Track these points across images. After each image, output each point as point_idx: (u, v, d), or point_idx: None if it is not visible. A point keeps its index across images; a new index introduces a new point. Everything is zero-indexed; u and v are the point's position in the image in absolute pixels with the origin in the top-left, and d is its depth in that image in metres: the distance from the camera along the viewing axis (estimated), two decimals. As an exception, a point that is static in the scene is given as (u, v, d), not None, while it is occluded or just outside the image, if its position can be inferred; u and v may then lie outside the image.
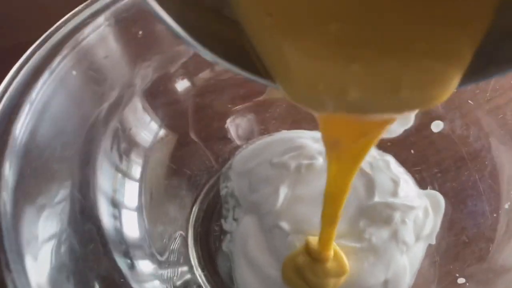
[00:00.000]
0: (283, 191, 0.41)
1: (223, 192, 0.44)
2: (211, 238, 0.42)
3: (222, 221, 0.42)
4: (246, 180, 0.43)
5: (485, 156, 0.39)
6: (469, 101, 0.40)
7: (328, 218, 0.32)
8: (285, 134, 0.45)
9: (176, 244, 0.40)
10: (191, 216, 0.43)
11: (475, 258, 0.37)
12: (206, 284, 0.39)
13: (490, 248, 0.36)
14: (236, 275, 0.39)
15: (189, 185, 0.43)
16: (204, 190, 0.44)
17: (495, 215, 0.37)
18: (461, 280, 0.37)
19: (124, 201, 0.36)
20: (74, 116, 0.33)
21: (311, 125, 0.46)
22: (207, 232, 0.42)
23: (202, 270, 0.40)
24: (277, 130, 0.46)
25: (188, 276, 0.39)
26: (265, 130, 0.46)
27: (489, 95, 0.38)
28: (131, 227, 0.36)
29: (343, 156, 0.27)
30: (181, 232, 0.41)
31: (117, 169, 0.35)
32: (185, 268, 0.40)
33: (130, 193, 0.36)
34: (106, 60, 0.35)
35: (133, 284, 0.33)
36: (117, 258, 0.33)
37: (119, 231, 0.34)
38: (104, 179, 0.34)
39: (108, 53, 0.36)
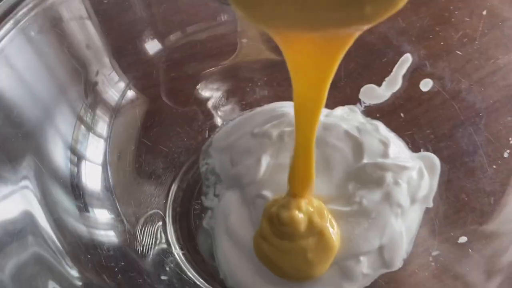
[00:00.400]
0: (265, 160, 0.38)
1: (203, 169, 0.41)
2: (191, 217, 0.39)
3: (203, 197, 0.39)
4: (227, 155, 0.41)
5: (480, 108, 0.36)
6: (458, 52, 0.37)
7: (302, 143, 0.29)
8: (266, 106, 0.43)
9: (152, 220, 0.37)
10: (170, 195, 0.40)
11: (476, 215, 0.34)
12: (185, 263, 0.36)
13: (492, 202, 0.33)
14: (218, 251, 0.36)
15: (166, 163, 0.40)
16: (183, 169, 0.41)
17: (494, 166, 0.34)
18: (462, 239, 0.33)
19: (86, 154, 0.33)
20: (41, 70, 0.31)
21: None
22: (187, 211, 0.39)
23: (181, 249, 0.37)
24: (259, 105, 0.44)
25: (164, 254, 0.36)
26: (247, 106, 0.44)
27: (478, 43, 0.36)
28: (92, 178, 0.33)
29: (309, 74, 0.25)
30: (159, 210, 0.38)
31: (80, 120, 0.33)
32: (161, 244, 0.36)
33: (95, 148, 0.34)
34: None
35: (80, 225, 0.30)
36: (66, 198, 0.30)
37: (74, 176, 0.32)
38: (63, 123, 0.32)
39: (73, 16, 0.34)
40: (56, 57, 0.33)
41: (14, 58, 0.31)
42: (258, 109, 0.43)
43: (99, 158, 0.34)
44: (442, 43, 0.38)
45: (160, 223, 0.38)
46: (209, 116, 0.43)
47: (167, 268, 0.35)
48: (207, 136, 0.42)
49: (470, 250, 0.34)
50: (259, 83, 0.44)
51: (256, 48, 0.42)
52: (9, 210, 0.27)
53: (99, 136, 0.35)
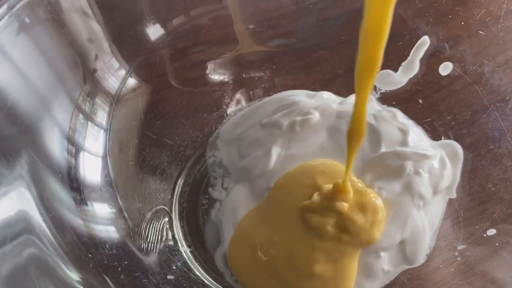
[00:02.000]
0: (275, 151, 0.36)
1: (210, 161, 0.39)
2: (199, 212, 0.37)
3: (210, 189, 0.37)
4: (235, 147, 0.38)
5: (505, 91, 0.34)
6: (480, 32, 0.35)
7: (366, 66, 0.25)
8: (275, 95, 0.41)
9: (157, 216, 0.35)
10: (176, 190, 0.38)
11: (505, 205, 0.31)
12: (193, 261, 0.34)
13: (522, 191, 0.31)
14: (225, 245, 0.34)
15: (172, 157, 0.38)
16: (190, 162, 0.39)
17: (523, 152, 0.32)
18: (491, 232, 0.31)
19: (84, 144, 0.31)
20: (37, 59, 0.29)
21: (306, 87, 0.42)
22: (194, 206, 0.37)
23: (189, 246, 0.35)
24: (268, 95, 0.42)
25: (171, 252, 0.34)
26: (255, 96, 0.42)
27: (503, 20, 0.34)
28: (91, 170, 0.32)
29: None
30: (164, 206, 0.36)
31: (78, 108, 0.31)
32: (168, 243, 0.34)
33: (94, 139, 0.32)
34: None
35: (78, 221, 0.28)
36: (62, 190, 0.28)
37: (72, 167, 0.30)
38: (59, 112, 0.30)
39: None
40: (53, 43, 0.31)
41: (8, 46, 0.29)
42: (267, 98, 0.41)
43: (99, 150, 0.32)
44: (462, 23, 0.36)
45: (166, 219, 0.36)
46: (215, 106, 0.41)
47: (174, 267, 0.33)
48: (213, 128, 0.40)
49: (497, 244, 0.31)
50: (267, 72, 0.42)
51: (263, 34, 0.40)
52: (4, 210, 0.25)
53: (99, 126, 0.33)
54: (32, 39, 0.30)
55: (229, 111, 0.41)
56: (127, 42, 0.34)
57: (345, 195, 0.30)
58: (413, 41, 0.38)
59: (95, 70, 0.32)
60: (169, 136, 0.39)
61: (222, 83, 0.41)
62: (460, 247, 0.32)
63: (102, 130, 0.33)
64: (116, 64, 0.33)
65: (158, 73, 0.37)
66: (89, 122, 0.31)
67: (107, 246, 0.30)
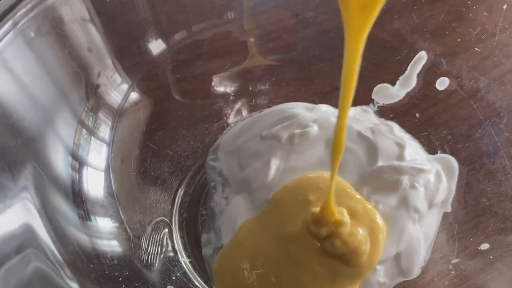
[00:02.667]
0: (274, 164, 0.36)
1: (210, 171, 0.39)
2: (199, 222, 0.38)
3: (211, 196, 0.38)
4: (235, 158, 0.39)
5: (500, 107, 0.34)
6: (476, 49, 0.35)
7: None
8: (275, 107, 0.41)
9: (158, 227, 0.36)
10: (176, 200, 0.38)
11: (498, 220, 0.32)
12: (193, 271, 0.35)
13: (515, 207, 0.32)
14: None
15: (172, 167, 0.39)
16: (190, 173, 0.40)
17: (517, 169, 0.32)
18: (484, 246, 0.32)
19: (87, 159, 0.32)
20: (40, 73, 0.30)
21: (306, 99, 0.42)
22: (194, 217, 0.38)
23: (188, 257, 0.36)
24: (268, 106, 0.42)
25: (171, 262, 0.34)
26: (255, 107, 0.42)
27: (498, 38, 0.34)
28: (94, 185, 0.32)
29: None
30: (164, 216, 0.37)
31: (82, 124, 0.32)
32: (168, 254, 0.35)
33: (97, 154, 0.33)
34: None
35: (81, 235, 0.28)
36: (69, 206, 0.29)
37: (76, 183, 0.31)
38: (63, 128, 0.30)
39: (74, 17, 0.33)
40: (57, 59, 0.31)
41: (13, 61, 0.30)
42: (267, 110, 0.41)
43: (102, 164, 0.33)
44: (459, 39, 0.36)
45: (166, 230, 0.36)
46: (216, 118, 0.41)
47: (174, 278, 0.34)
48: (214, 138, 0.41)
49: (491, 257, 0.32)
50: (267, 84, 0.43)
51: (264, 46, 0.41)
52: (9, 222, 0.26)
53: (102, 140, 0.33)
54: (36, 54, 0.31)
55: (229, 122, 0.42)
56: (129, 56, 0.35)
57: (330, 218, 0.31)
58: (411, 55, 0.39)
59: (98, 86, 0.33)
60: (170, 147, 0.39)
61: (222, 95, 0.42)
62: (454, 261, 0.33)
63: (105, 144, 0.34)
64: (118, 79, 0.34)
65: (160, 86, 0.38)
66: (92, 137, 0.32)
67: (108, 257, 0.31)
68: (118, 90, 0.34)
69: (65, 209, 0.30)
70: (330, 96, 0.42)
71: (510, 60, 0.35)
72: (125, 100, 0.35)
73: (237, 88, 0.42)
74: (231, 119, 0.42)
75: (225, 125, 0.42)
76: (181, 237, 0.37)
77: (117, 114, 0.34)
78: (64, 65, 0.31)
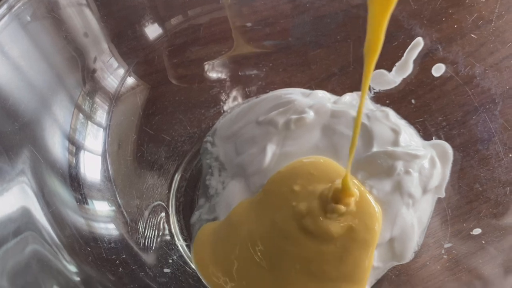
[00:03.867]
0: (270, 149, 0.37)
1: (206, 156, 0.39)
2: (195, 207, 0.38)
3: (207, 179, 0.38)
4: (231, 144, 0.39)
5: (495, 93, 0.34)
6: (472, 35, 0.35)
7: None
8: (272, 93, 0.41)
9: (155, 214, 0.36)
10: (173, 185, 0.38)
11: (491, 206, 0.32)
12: (189, 254, 0.35)
13: (508, 192, 0.32)
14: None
15: (169, 152, 0.39)
16: (187, 158, 0.40)
17: (510, 155, 0.33)
18: (476, 231, 0.32)
19: (84, 143, 0.32)
20: (36, 57, 0.30)
21: (302, 85, 0.42)
22: (190, 201, 0.38)
23: (185, 240, 0.36)
24: (264, 92, 0.42)
25: (168, 246, 0.35)
26: (251, 93, 0.43)
27: (495, 25, 0.34)
28: (91, 169, 0.33)
29: None
30: (161, 201, 0.37)
31: (78, 108, 0.32)
32: (165, 238, 0.35)
33: (94, 138, 0.33)
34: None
35: (79, 219, 0.29)
36: (66, 190, 0.29)
37: (73, 167, 0.31)
38: (60, 112, 0.31)
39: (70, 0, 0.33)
40: (53, 43, 0.31)
41: (9, 45, 0.30)
42: (264, 96, 0.41)
43: (99, 148, 0.33)
44: (455, 26, 0.36)
45: (163, 214, 0.37)
46: (213, 103, 0.41)
47: (170, 260, 0.34)
48: (211, 124, 0.41)
49: (483, 242, 0.33)
50: (264, 69, 0.43)
51: (261, 32, 0.41)
52: (6, 206, 0.26)
53: (98, 125, 0.33)
54: (32, 39, 0.31)
55: (226, 107, 0.42)
56: (126, 41, 0.35)
57: (347, 195, 0.31)
58: (407, 41, 0.39)
59: (94, 70, 0.33)
60: (166, 132, 0.40)
61: (219, 80, 0.42)
62: (447, 245, 0.33)
63: (102, 129, 0.34)
64: (115, 64, 0.34)
65: (156, 70, 0.38)
66: (89, 122, 0.32)
67: (105, 240, 0.31)
68: (115, 74, 0.34)
69: (62, 193, 0.30)
70: (327, 81, 0.43)
71: (506, 47, 0.35)
72: (122, 84, 0.35)
73: (234, 73, 0.42)
74: (228, 104, 0.42)
75: (222, 110, 0.42)
76: (178, 221, 0.37)
77: (114, 99, 0.34)
78: (60, 49, 0.31)
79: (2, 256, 0.23)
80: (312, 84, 0.42)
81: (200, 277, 0.33)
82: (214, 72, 0.41)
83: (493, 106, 0.34)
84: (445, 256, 0.33)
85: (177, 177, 0.39)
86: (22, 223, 0.26)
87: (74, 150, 0.31)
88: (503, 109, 0.34)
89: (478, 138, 0.35)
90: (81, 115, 0.32)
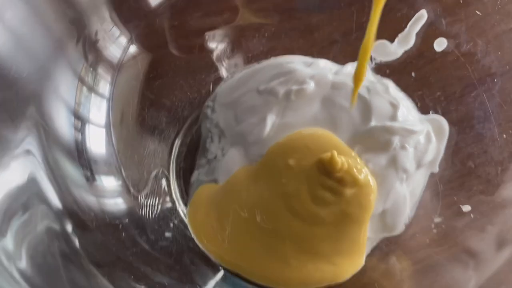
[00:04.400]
0: (270, 119, 0.37)
1: (206, 122, 0.40)
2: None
3: (207, 145, 0.39)
4: (231, 111, 0.40)
5: (495, 73, 0.35)
6: (477, 12, 0.35)
7: None
8: (273, 60, 0.41)
9: (156, 179, 0.37)
10: (173, 150, 0.39)
11: (482, 184, 0.34)
12: (188, 218, 0.36)
13: (499, 172, 0.33)
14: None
15: (170, 117, 0.40)
16: (187, 123, 0.40)
17: (504, 136, 0.34)
18: (466, 208, 0.34)
19: (89, 117, 0.33)
20: (35, 25, 0.29)
21: (304, 52, 0.42)
22: (190, 166, 0.39)
23: (185, 204, 0.37)
24: (266, 58, 0.42)
25: (168, 211, 0.36)
26: (253, 58, 0.42)
27: (500, 2, 0.34)
28: (96, 143, 0.33)
29: None
30: (162, 167, 0.38)
31: (82, 81, 0.32)
32: (166, 203, 0.37)
33: (97, 110, 0.33)
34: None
35: (89, 197, 0.30)
36: (73, 168, 0.30)
37: (79, 143, 0.31)
38: (65, 87, 0.31)
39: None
40: (53, 12, 0.31)
41: (7, 12, 0.29)
42: (265, 62, 0.41)
43: (102, 120, 0.34)
44: (461, 1, 0.36)
45: (164, 179, 0.38)
46: (213, 68, 0.41)
47: (171, 225, 0.36)
48: (211, 89, 0.41)
49: (472, 216, 0.34)
50: (266, 34, 0.42)
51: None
52: (16, 175, 0.27)
53: (102, 96, 0.34)
54: (30, 6, 0.30)
55: (226, 73, 0.42)
56: (127, 9, 0.34)
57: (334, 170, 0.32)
58: (411, 13, 0.38)
59: (97, 41, 0.32)
60: (167, 97, 0.40)
61: (220, 45, 0.41)
62: (437, 219, 0.35)
63: (105, 100, 0.34)
64: (117, 32, 0.34)
65: (158, 36, 0.37)
66: (92, 94, 0.32)
67: (109, 207, 0.33)
68: (117, 43, 0.34)
69: (69, 168, 0.30)
70: (329, 48, 0.42)
71: (508, 25, 0.35)
72: (124, 54, 0.34)
73: (235, 38, 0.41)
74: (229, 70, 0.42)
75: (222, 75, 0.42)
76: (178, 186, 0.38)
77: (117, 68, 0.34)
78: (61, 17, 0.31)
79: (17, 231, 0.24)
80: (314, 50, 0.42)
81: (193, 236, 0.35)
82: (215, 36, 0.41)
83: (491, 85, 0.35)
84: (434, 230, 0.34)
85: (177, 142, 0.40)
86: (32, 193, 0.27)
87: (80, 125, 0.31)
88: (501, 89, 0.34)
89: (474, 116, 0.36)
90: (85, 88, 0.32)
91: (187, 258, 0.34)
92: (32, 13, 0.30)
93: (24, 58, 0.29)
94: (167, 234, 0.35)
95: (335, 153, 0.32)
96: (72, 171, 0.30)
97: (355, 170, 0.33)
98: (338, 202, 0.32)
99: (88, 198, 0.31)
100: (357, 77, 0.31)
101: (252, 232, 0.34)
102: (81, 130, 0.31)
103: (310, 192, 0.33)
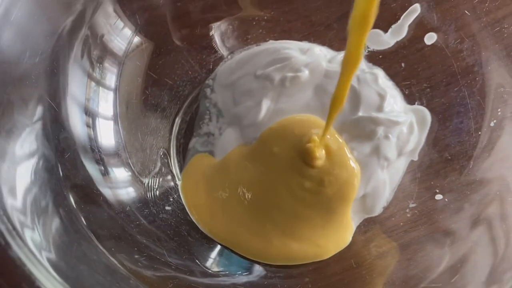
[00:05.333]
0: (265, 104, 0.40)
1: (205, 101, 0.42)
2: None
3: (204, 123, 0.42)
4: (229, 92, 0.42)
5: (477, 72, 0.37)
6: (466, 12, 0.37)
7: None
8: (271, 44, 0.43)
9: (158, 155, 0.40)
10: (174, 128, 0.42)
11: (455, 175, 0.37)
12: (187, 193, 0.40)
13: (471, 166, 0.36)
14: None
15: (171, 96, 0.42)
16: (187, 102, 0.43)
17: (479, 133, 0.36)
18: (439, 197, 0.37)
19: (98, 110, 0.35)
20: (41, 22, 0.31)
21: (301, 35, 0.44)
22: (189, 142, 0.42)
23: (184, 178, 0.41)
24: (264, 40, 0.44)
25: (169, 185, 0.39)
26: (252, 40, 0.44)
27: (488, 5, 0.36)
28: (106, 135, 0.36)
29: None
30: (163, 144, 0.41)
31: (90, 77, 0.34)
32: (167, 178, 0.40)
33: (105, 102, 0.36)
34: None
35: (104, 190, 0.33)
36: (90, 165, 0.33)
37: (92, 139, 0.34)
38: (76, 87, 0.33)
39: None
40: (58, 9, 0.32)
41: (15, 11, 0.30)
42: (263, 46, 0.43)
43: (110, 112, 0.36)
44: (452, -1, 0.38)
45: (165, 154, 0.41)
46: (213, 49, 0.43)
47: (171, 199, 0.39)
48: (211, 69, 0.43)
49: (446, 200, 0.37)
50: (265, 17, 0.44)
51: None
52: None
53: (109, 88, 0.36)
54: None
55: (226, 53, 0.44)
56: (130, 1, 0.36)
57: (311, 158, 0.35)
58: (406, 5, 0.40)
59: (102, 35, 0.34)
60: (169, 76, 0.42)
61: (220, 26, 0.43)
62: (414, 201, 0.38)
63: (111, 91, 0.36)
64: (120, 24, 0.36)
65: (161, 25, 0.39)
66: (100, 88, 0.35)
67: (114, 183, 0.36)
68: (121, 36, 0.36)
69: (86, 166, 0.33)
70: (326, 32, 0.44)
71: (495, 26, 0.37)
72: (129, 45, 0.36)
73: (235, 20, 0.43)
74: (228, 51, 0.44)
75: (222, 56, 0.44)
76: (178, 161, 0.41)
77: (122, 60, 0.36)
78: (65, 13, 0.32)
79: (43, 223, 0.28)
80: (311, 34, 0.44)
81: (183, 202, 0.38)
82: (215, 18, 0.43)
83: (473, 83, 0.37)
84: (411, 212, 0.38)
85: (178, 120, 0.42)
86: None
87: (91, 121, 0.34)
88: (481, 88, 0.37)
89: (455, 111, 0.38)
90: (93, 83, 0.34)
91: (184, 230, 0.37)
92: (41, 12, 0.31)
93: (32, 56, 0.31)
94: (167, 208, 0.38)
95: (314, 145, 0.35)
96: (90, 169, 0.33)
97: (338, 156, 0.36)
98: (321, 189, 0.36)
99: (104, 191, 0.34)
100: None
101: (240, 209, 0.38)
102: (92, 126, 0.34)
103: (295, 179, 0.36)
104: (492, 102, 0.36)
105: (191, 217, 0.38)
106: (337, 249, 0.37)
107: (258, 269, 0.37)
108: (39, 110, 0.31)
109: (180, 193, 0.39)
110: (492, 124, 0.36)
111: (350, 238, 0.38)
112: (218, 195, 0.38)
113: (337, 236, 0.37)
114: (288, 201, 0.36)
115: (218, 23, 0.43)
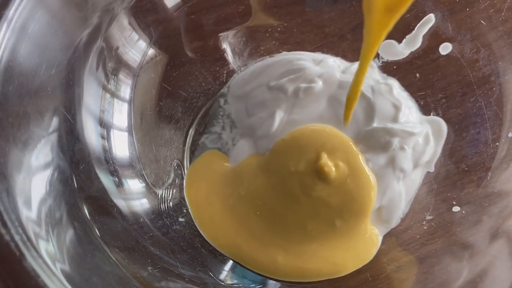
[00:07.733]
0: (279, 116, 0.39)
1: (219, 112, 0.42)
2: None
3: (217, 129, 0.42)
4: (243, 103, 0.42)
5: (494, 82, 0.37)
6: (482, 21, 0.37)
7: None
8: (284, 55, 0.43)
9: (171, 166, 0.40)
10: (188, 139, 0.42)
11: (472, 186, 0.36)
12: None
13: (489, 178, 0.35)
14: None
15: (185, 108, 0.42)
16: (201, 113, 0.43)
17: (497, 144, 0.36)
18: (456, 209, 0.36)
19: (113, 122, 0.35)
20: (57, 35, 0.31)
21: (314, 46, 0.44)
22: (203, 154, 0.42)
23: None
24: (278, 51, 0.44)
25: (182, 197, 0.39)
26: (265, 52, 0.44)
27: (504, 14, 0.35)
28: (120, 147, 0.36)
29: None
30: (177, 155, 0.41)
31: (105, 89, 0.34)
32: (180, 189, 0.40)
33: (119, 113, 0.36)
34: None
35: (118, 201, 0.33)
36: (104, 176, 0.33)
37: (107, 151, 0.34)
38: (91, 99, 0.33)
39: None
40: (73, 22, 0.33)
41: (26, 22, 0.31)
42: (276, 57, 0.43)
43: (124, 123, 0.36)
44: (467, 9, 0.37)
45: (179, 166, 0.41)
46: (226, 61, 0.43)
47: (185, 210, 0.39)
48: (224, 81, 0.44)
49: (463, 212, 0.37)
50: (278, 28, 0.44)
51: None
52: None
53: (123, 100, 0.36)
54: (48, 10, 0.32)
55: (239, 65, 0.44)
56: (145, 15, 0.36)
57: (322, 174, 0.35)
58: (420, 15, 0.40)
59: (117, 47, 0.35)
60: (183, 88, 0.42)
61: (233, 38, 0.43)
62: (430, 214, 0.38)
63: (126, 103, 0.36)
64: (135, 37, 0.36)
65: (175, 38, 0.39)
66: (115, 99, 0.35)
67: (128, 194, 0.36)
68: (136, 48, 0.36)
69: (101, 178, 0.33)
70: (339, 43, 0.44)
71: (510, 37, 0.36)
72: (144, 57, 0.37)
73: (248, 32, 0.43)
74: (241, 62, 0.44)
75: (235, 68, 0.44)
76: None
77: (137, 72, 0.36)
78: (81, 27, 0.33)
79: (57, 234, 0.28)
80: (324, 46, 0.44)
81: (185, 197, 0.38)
82: (228, 30, 0.43)
83: (490, 93, 0.37)
84: (428, 224, 0.37)
85: (191, 131, 0.42)
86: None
87: (105, 133, 0.34)
88: (498, 98, 0.36)
89: (472, 121, 0.38)
90: (107, 95, 0.34)
91: (197, 242, 0.37)
92: (57, 25, 0.31)
93: (48, 68, 0.31)
94: (181, 219, 0.38)
95: (325, 160, 0.35)
96: (104, 180, 0.33)
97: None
98: (336, 203, 0.35)
99: (118, 202, 0.34)
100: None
101: (249, 223, 0.37)
102: (106, 138, 0.34)
103: (309, 193, 0.35)
104: (510, 112, 0.35)
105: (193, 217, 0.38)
106: (358, 264, 0.36)
107: (272, 283, 0.37)
108: (54, 122, 0.32)
109: (184, 192, 0.39)
110: (510, 134, 0.35)
111: (374, 253, 0.37)
112: (227, 202, 0.38)
113: (357, 251, 0.36)
114: (301, 216, 0.36)
115: (231, 35, 0.43)
